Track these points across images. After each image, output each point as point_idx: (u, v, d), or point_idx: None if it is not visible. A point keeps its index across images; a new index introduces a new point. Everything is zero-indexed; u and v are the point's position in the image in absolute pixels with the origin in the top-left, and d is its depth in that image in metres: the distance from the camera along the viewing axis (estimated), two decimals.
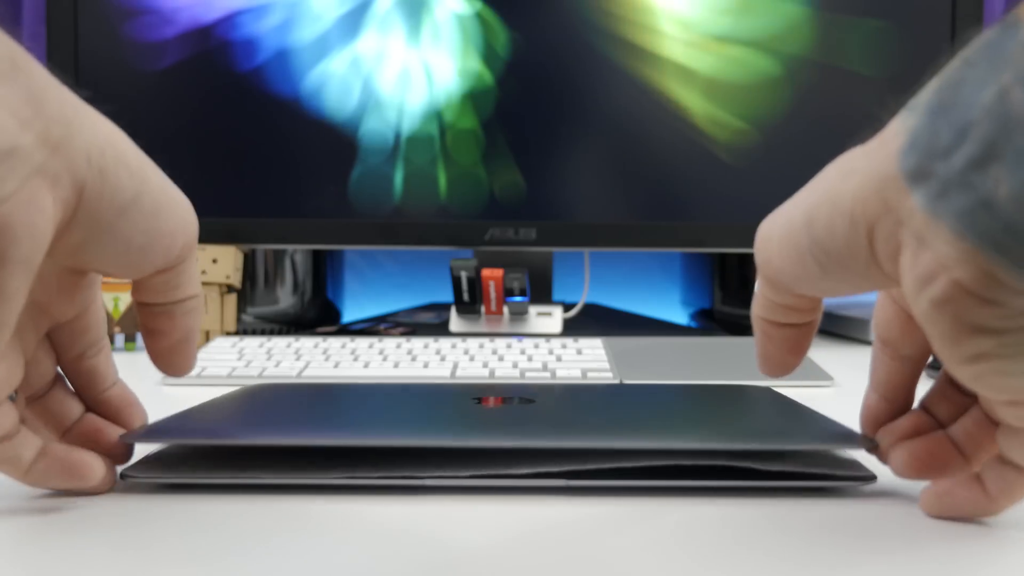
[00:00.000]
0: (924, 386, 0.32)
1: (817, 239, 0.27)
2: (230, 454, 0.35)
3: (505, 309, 0.75)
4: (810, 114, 0.77)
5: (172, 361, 0.33)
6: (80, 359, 0.33)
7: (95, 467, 0.31)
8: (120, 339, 0.73)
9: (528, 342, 0.67)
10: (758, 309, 0.32)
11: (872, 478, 0.33)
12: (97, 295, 0.33)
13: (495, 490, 0.33)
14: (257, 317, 0.83)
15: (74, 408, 0.33)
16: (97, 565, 0.26)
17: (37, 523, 0.29)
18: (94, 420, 0.34)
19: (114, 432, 0.33)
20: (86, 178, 0.26)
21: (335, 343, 0.67)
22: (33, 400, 0.33)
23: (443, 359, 0.62)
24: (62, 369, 0.33)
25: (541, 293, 0.82)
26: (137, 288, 0.31)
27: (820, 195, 0.27)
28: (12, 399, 0.30)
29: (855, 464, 0.34)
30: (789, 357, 0.32)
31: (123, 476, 0.33)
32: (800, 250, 0.28)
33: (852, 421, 0.46)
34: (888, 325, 0.31)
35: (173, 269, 0.30)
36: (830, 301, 0.99)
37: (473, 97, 0.76)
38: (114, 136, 0.27)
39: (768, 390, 0.48)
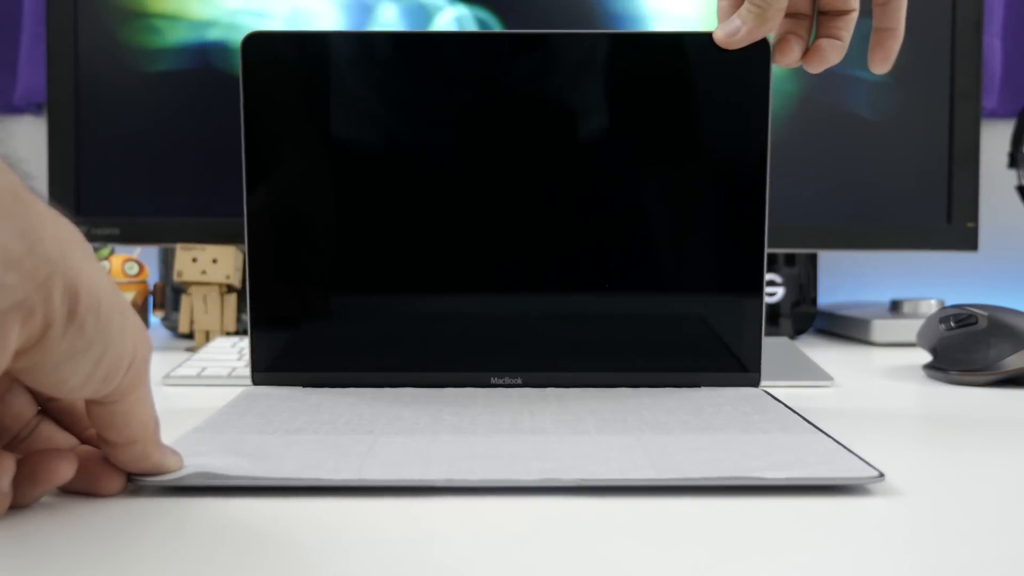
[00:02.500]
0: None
1: None
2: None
3: None
4: (810, 114, 0.77)
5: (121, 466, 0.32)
6: (12, 444, 0.32)
7: (60, 467, 0.30)
8: None
9: None
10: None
11: (879, 477, 0.33)
12: (11, 387, 0.32)
13: (502, 489, 0.33)
14: None
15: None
16: (98, 566, 0.26)
17: (39, 524, 0.29)
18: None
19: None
20: (54, 319, 0.26)
21: None
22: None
23: None
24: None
25: None
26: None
27: None
28: None
29: (862, 463, 0.34)
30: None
31: (129, 478, 0.33)
32: None
33: (852, 421, 0.46)
34: None
35: (106, 406, 0.30)
36: (829, 303, 0.99)
37: None
38: (95, 281, 0.27)
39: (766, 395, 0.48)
